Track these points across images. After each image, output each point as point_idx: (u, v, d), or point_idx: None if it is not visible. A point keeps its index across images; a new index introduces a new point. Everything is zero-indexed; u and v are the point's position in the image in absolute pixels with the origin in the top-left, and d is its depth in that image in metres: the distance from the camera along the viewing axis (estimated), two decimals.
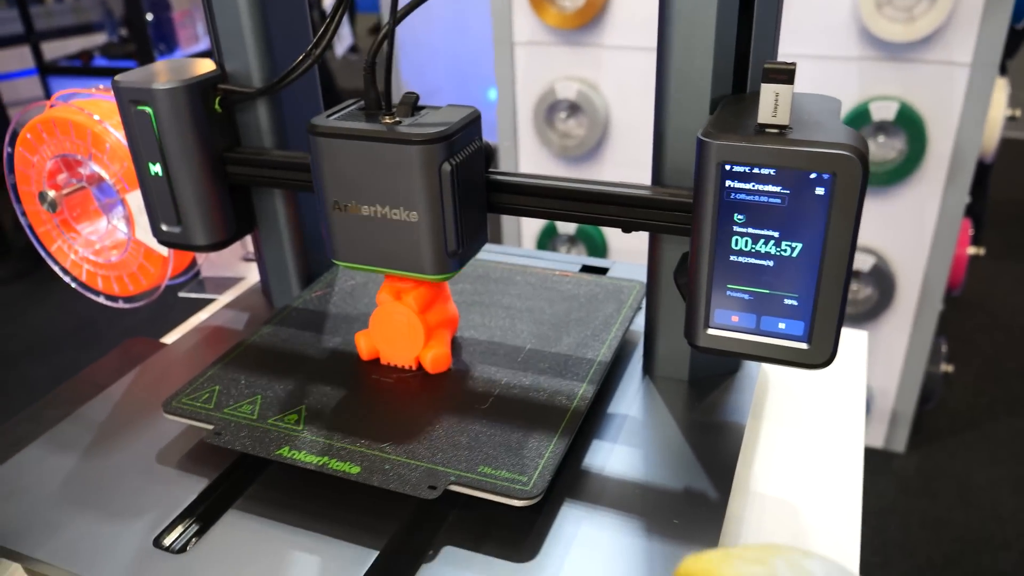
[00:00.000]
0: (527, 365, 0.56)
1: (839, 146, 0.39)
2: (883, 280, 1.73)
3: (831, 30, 1.58)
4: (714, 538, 0.44)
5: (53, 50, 3.08)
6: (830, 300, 0.42)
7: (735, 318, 0.45)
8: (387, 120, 0.48)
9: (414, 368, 0.56)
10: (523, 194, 0.51)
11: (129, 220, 0.72)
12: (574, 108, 1.81)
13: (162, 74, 0.56)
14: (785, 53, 1.53)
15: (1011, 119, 1.77)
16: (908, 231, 1.70)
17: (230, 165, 0.59)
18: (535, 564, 0.43)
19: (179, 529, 0.47)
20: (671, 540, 0.44)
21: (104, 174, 0.69)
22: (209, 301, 0.81)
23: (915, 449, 1.92)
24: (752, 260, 0.43)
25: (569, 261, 0.74)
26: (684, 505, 0.46)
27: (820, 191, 0.40)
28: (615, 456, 0.51)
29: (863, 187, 0.39)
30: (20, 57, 3.41)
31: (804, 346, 0.43)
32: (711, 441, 0.51)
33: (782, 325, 0.44)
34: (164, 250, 0.73)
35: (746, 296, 0.44)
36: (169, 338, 0.74)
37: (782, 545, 0.26)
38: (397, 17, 0.47)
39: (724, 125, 0.42)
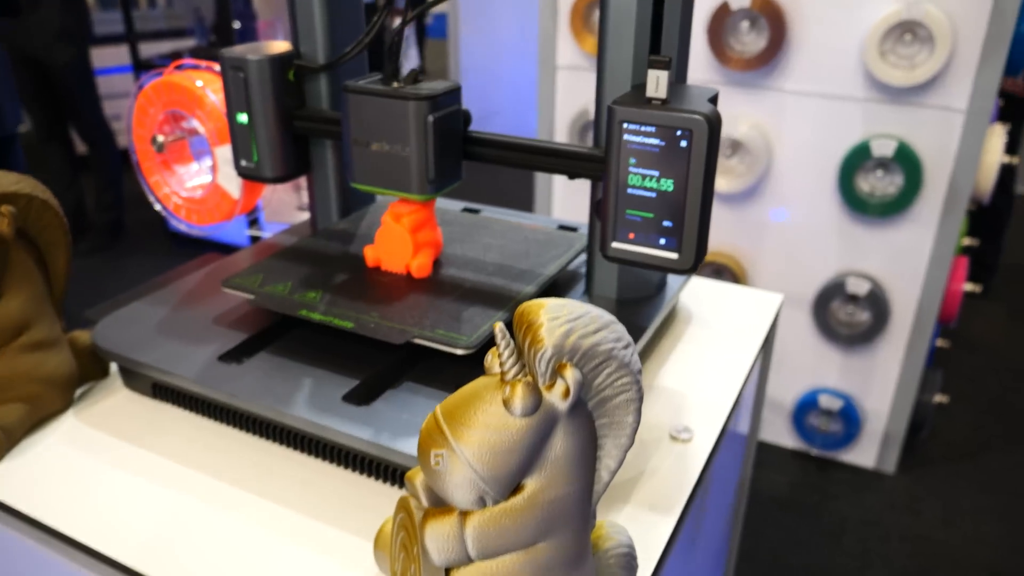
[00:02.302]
0: (489, 275, 0.75)
1: (695, 112, 0.57)
2: (878, 305, 1.87)
3: (839, 72, 1.75)
4: None
5: (147, 50, 3.41)
6: (692, 221, 0.60)
7: (632, 235, 0.63)
8: (395, 85, 0.68)
9: (405, 273, 0.75)
10: (492, 147, 0.71)
11: (214, 168, 0.93)
12: None
13: (255, 49, 0.78)
14: (797, 90, 1.78)
15: (1009, 167, 1.90)
16: (904, 262, 1.85)
17: (296, 120, 0.81)
18: None
19: (232, 354, 0.68)
20: None
21: (201, 128, 0.91)
22: None
23: (905, 472, 2.04)
24: (642, 192, 0.62)
25: (550, 221, 0.93)
26: None
27: (683, 144, 0.59)
28: None
29: (712, 142, 0.57)
30: (117, 55, 3.78)
31: (675, 256, 0.62)
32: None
33: (662, 241, 0.62)
34: (236, 193, 0.94)
35: (638, 219, 0.62)
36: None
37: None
38: (415, 12, 0.68)
39: (626, 99, 0.61)
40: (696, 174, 0.59)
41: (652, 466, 0.64)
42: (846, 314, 1.93)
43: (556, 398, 0.41)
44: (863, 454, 2.07)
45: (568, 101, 2.05)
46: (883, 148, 1.74)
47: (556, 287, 0.77)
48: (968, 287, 1.97)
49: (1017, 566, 1.75)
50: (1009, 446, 2.14)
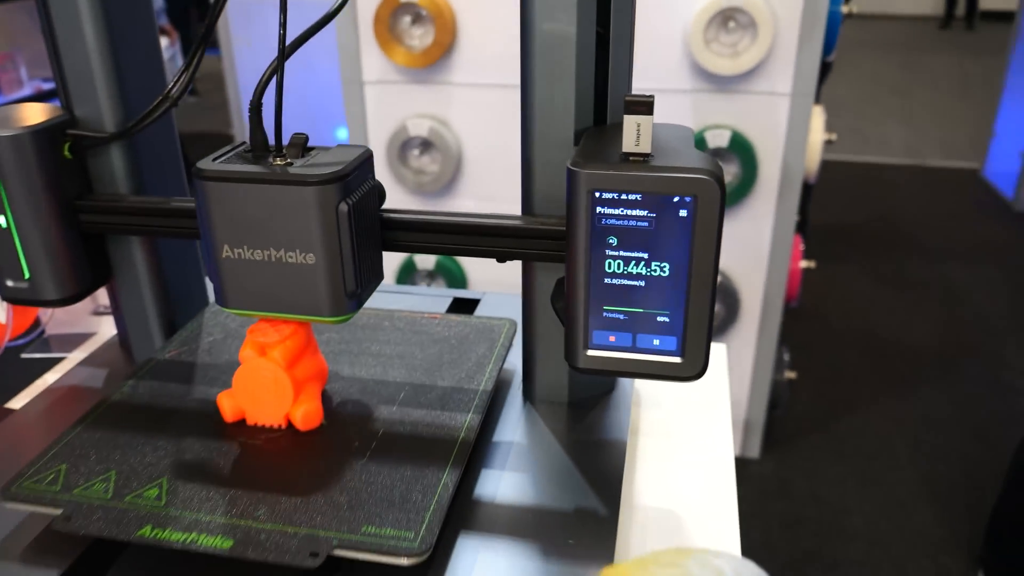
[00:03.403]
0: (403, 412, 0.55)
1: (698, 171, 0.41)
2: (728, 297, 1.84)
3: (666, 65, 1.69)
4: (609, 554, 0.46)
5: None
6: (699, 315, 0.44)
7: (612, 338, 0.47)
8: (278, 162, 0.47)
9: (284, 427, 0.53)
10: (415, 231, 0.51)
11: None
12: (427, 145, 1.82)
13: (4, 120, 0.53)
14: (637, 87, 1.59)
15: (828, 143, 1.94)
16: (747, 249, 1.83)
17: (82, 214, 0.56)
18: None
19: None
20: (568, 560, 0.45)
21: None
22: (57, 360, 0.76)
23: (768, 454, 2.04)
24: (625, 281, 0.45)
25: (440, 295, 0.75)
26: (577, 524, 0.48)
27: (683, 213, 0.43)
28: (504, 483, 0.51)
29: (722, 208, 0.42)
30: None
31: (678, 360, 0.46)
32: (596, 459, 0.53)
33: (656, 341, 0.46)
34: (1, 315, 0.67)
35: (621, 316, 0.46)
36: (16, 403, 0.69)
37: (692, 548, 0.28)
38: (286, 52, 0.47)
39: (591, 155, 0.44)
40: (703, 252, 0.43)
41: None
42: None
43: None
44: None
45: (381, 119, 1.85)
46: (718, 139, 1.70)
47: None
48: (804, 264, 1.99)
49: (885, 530, 1.79)
50: (851, 410, 2.21)
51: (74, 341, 0.78)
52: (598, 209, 0.43)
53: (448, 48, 1.73)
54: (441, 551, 0.46)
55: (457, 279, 1.93)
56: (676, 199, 0.42)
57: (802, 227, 2.82)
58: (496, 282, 1.92)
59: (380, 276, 0.53)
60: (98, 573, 0.46)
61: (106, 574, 0.46)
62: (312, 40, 0.48)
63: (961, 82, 5.51)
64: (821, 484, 1.94)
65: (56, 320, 0.78)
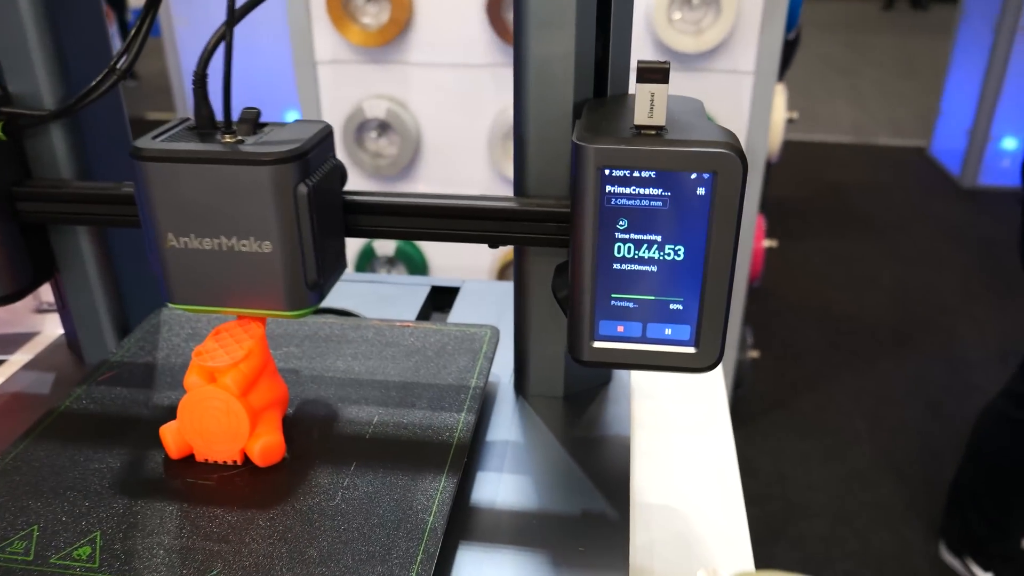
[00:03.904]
0: (377, 444, 0.48)
1: (718, 144, 0.38)
2: None
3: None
4: (623, 563, 0.42)
5: None
6: (716, 302, 0.41)
7: (621, 328, 0.43)
8: (228, 139, 0.42)
9: (239, 463, 0.47)
10: (384, 214, 0.47)
11: None
12: (384, 127, 1.76)
13: None
14: None
15: (790, 121, 1.93)
16: None
17: (20, 202, 0.50)
18: None
19: None
20: (580, 570, 0.42)
21: None
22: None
23: (734, 432, 2.04)
24: (635, 267, 0.41)
25: (416, 283, 0.70)
26: (586, 530, 0.44)
27: (701, 191, 0.39)
28: (504, 487, 0.47)
29: (744, 185, 0.38)
30: None
31: (692, 350, 0.42)
32: (599, 458, 0.49)
33: (668, 331, 0.43)
34: None
35: (631, 304, 0.42)
36: None
37: (774, 571, 0.24)
38: (235, 16, 0.41)
39: (598, 128, 0.40)
40: (722, 233, 0.40)
41: None
42: None
43: None
44: None
45: (336, 100, 1.78)
46: None
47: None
48: (767, 243, 1.99)
49: (848, 504, 1.80)
50: (812, 388, 2.23)
51: (15, 342, 0.72)
52: (607, 188, 0.40)
53: (405, 26, 1.67)
54: (441, 565, 0.42)
55: (418, 265, 1.88)
56: (694, 176, 0.39)
57: (763, 206, 2.83)
58: (459, 268, 1.87)
59: (343, 265, 0.48)
60: None
61: None
62: (258, 18, 0.43)
63: (906, 62, 5.60)
64: (785, 462, 1.95)
65: None
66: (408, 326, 0.60)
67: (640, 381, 0.64)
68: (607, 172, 0.39)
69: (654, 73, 0.38)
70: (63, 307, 0.58)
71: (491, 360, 0.56)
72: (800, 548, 1.69)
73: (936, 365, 2.30)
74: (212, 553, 0.40)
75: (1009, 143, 3.33)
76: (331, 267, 0.46)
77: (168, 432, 0.47)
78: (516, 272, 0.52)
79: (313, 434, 0.49)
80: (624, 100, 0.45)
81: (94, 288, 0.57)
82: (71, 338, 0.61)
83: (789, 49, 1.97)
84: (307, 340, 0.58)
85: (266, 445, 0.46)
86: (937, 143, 3.77)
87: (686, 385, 0.64)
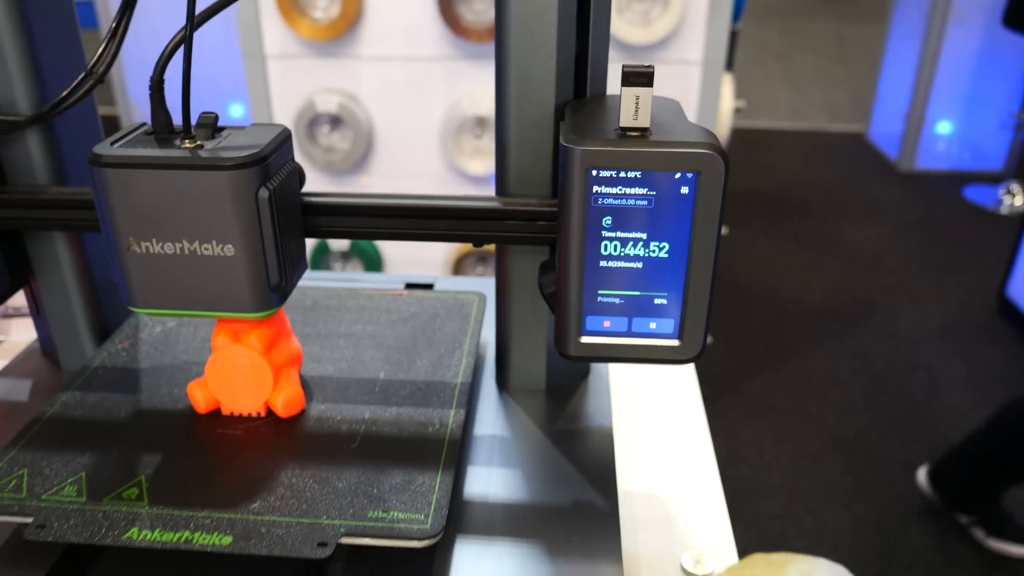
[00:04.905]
0: (387, 396, 0.52)
1: (701, 145, 0.39)
2: None
3: None
4: (616, 550, 0.44)
5: None
6: (699, 296, 0.43)
7: (607, 323, 0.44)
8: (187, 144, 0.42)
9: (263, 414, 0.50)
10: (346, 215, 0.47)
11: None
12: (336, 121, 1.75)
13: None
14: None
15: (737, 110, 1.97)
16: None
17: None
18: None
19: None
20: (575, 559, 0.43)
21: None
22: None
23: None
24: (621, 264, 0.43)
25: (391, 281, 0.71)
26: (578, 520, 0.45)
27: (685, 190, 0.40)
28: (495, 480, 0.49)
29: (726, 183, 0.40)
30: None
31: (676, 343, 0.44)
32: (584, 449, 0.51)
33: (653, 325, 0.44)
34: None
35: (617, 300, 0.44)
36: None
37: (792, 554, 0.26)
38: (196, 22, 0.42)
39: (584, 130, 0.41)
40: (705, 230, 0.41)
41: None
42: None
43: None
44: None
45: (286, 95, 1.76)
46: None
47: None
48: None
49: (801, 483, 1.86)
50: (761, 370, 2.28)
51: None
52: (594, 188, 0.41)
53: (355, 20, 1.66)
54: (440, 555, 0.43)
55: (373, 260, 1.88)
56: (678, 175, 0.40)
57: None
58: (414, 262, 1.87)
59: (304, 265, 0.49)
60: None
61: None
62: (202, 7, 0.43)
63: (840, 48, 5.74)
64: (740, 444, 2.00)
65: None
66: (401, 294, 0.63)
67: (617, 371, 0.66)
68: (594, 173, 0.40)
69: (639, 77, 0.39)
70: (38, 312, 0.58)
71: (481, 323, 0.60)
72: (756, 527, 1.74)
73: (879, 344, 2.38)
74: (250, 490, 0.44)
75: (944, 127, 3.45)
76: (292, 268, 0.47)
77: (196, 388, 0.50)
78: (498, 270, 0.53)
79: (326, 389, 0.52)
80: (605, 101, 0.47)
81: (71, 293, 0.56)
82: (46, 344, 0.60)
83: (731, 38, 2.02)
84: (311, 309, 0.61)
85: (288, 397, 0.50)
86: (875, 128, 3.88)
87: (660, 374, 0.66)
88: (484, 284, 0.68)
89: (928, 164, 3.52)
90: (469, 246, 1.86)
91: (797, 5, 7.15)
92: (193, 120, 0.43)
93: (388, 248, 1.88)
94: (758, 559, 0.26)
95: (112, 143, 0.43)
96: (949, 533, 1.68)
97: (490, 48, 1.66)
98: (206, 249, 0.43)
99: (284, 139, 0.45)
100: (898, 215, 3.20)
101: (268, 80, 1.76)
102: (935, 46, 3.28)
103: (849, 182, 3.52)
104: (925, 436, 1.98)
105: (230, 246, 0.43)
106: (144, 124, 0.45)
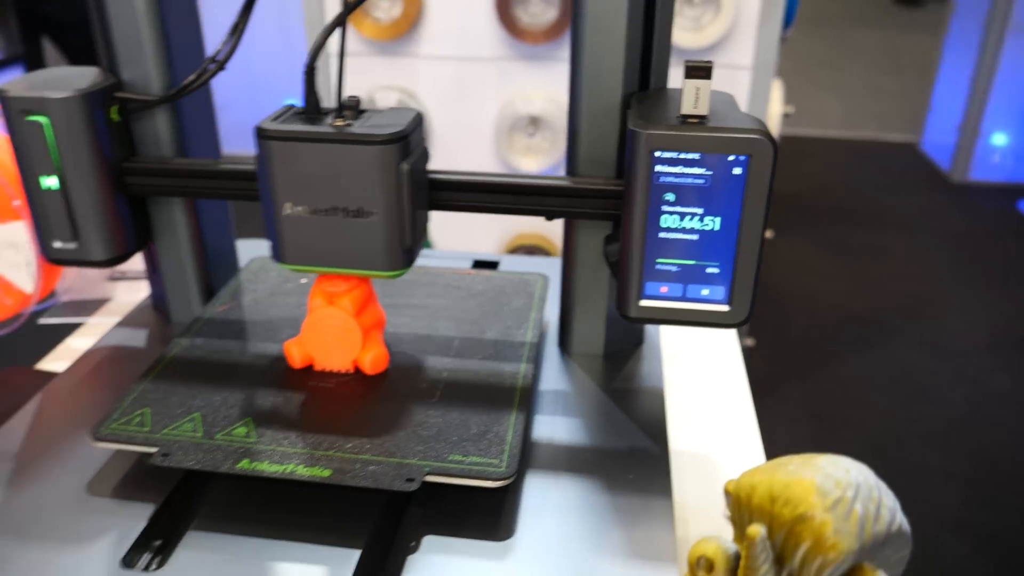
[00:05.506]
0: (462, 355, 0.58)
1: (753, 131, 0.45)
2: None
3: None
4: (667, 486, 0.49)
5: None
6: (747, 266, 0.48)
7: (664, 288, 0.50)
8: (338, 122, 0.49)
9: (351, 371, 0.56)
10: (461, 191, 0.54)
11: None
12: None
13: (54, 83, 0.53)
14: None
15: (786, 115, 2.01)
16: None
17: (129, 176, 0.57)
18: (517, 539, 0.46)
19: (143, 553, 0.45)
20: (632, 493, 0.49)
21: None
22: (76, 326, 0.76)
23: None
24: (679, 236, 0.48)
25: (457, 258, 0.77)
26: (633, 463, 0.51)
27: (737, 171, 0.46)
28: (558, 428, 0.55)
29: (774, 166, 0.45)
30: None
31: (725, 308, 0.50)
32: (638, 405, 0.57)
33: (705, 291, 0.50)
34: (28, 287, 0.67)
35: (673, 268, 0.49)
36: (45, 365, 0.69)
37: (816, 454, 0.31)
38: (349, 7, 0.48)
39: (650, 117, 0.47)
40: (754, 207, 0.47)
41: None
42: None
43: None
44: None
45: (348, 91, 1.83)
46: None
47: None
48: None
49: None
50: (802, 376, 2.31)
51: (90, 307, 0.78)
52: (657, 167, 0.47)
53: (415, 20, 1.74)
54: (512, 492, 0.49)
55: (425, 243, 1.94)
56: (732, 158, 0.46)
57: None
58: (466, 246, 1.94)
59: (426, 235, 0.55)
60: (188, 508, 0.48)
61: (196, 508, 0.48)
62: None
63: (892, 58, 5.69)
64: (778, 449, 2.01)
65: (70, 287, 0.78)
66: (469, 273, 0.69)
67: (667, 343, 0.72)
68: (657, 154, 0.46)
69: (700, 71, 0.45)
70: (154, 271, 0.65)
71: (544, 300, 0.65)
72: None
73: (923, 354, 2.39)
74: (345, 434, 0.50)
75: (999, 139, 3.42)
76: (420, 235, 0.53)
77: (292, 345, 0.56)
78: (565, 243, 0.59)
79: (405, 352, 0.59)
80: (666, 93, 0.53)
81: (184, 255, 0.63)
82: (158, 300, 0.67)
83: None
84: (386, 284, 0.66)
85: (375, 356, 0.56)
86: (927, 138, 3.86)
87: (706, 347, 0.72)
88: (545, 265, 0.74)
89: (982, 176, 3.49)
90: (521, 237, 1.93)
91: (847, 15, 7.09)
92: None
93: (439, 236, 1.95)
94: (787, 459, 0.31)
95: (272, 120, 0.50)
96: (986, 543, 1.69)
97: (544, 49, 1.73)
98: (352, 214, 0.50)
99: (419, 121, 0.51)
100: (948, 226, 3.19)
101: (330, 76, 1.84)
102: (992, 57, 3.26)
103: (898, 192, 3.51)
104: (966, 448, 1.99)
105: (373, 212, 0.49)
106: (291, 106, 0.52)
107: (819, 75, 5.25)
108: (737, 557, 0.30)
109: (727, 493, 0.32)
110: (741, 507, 0.30)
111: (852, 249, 3.02)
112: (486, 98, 1.82)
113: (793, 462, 0.31)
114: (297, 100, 0.54)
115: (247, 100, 3.86)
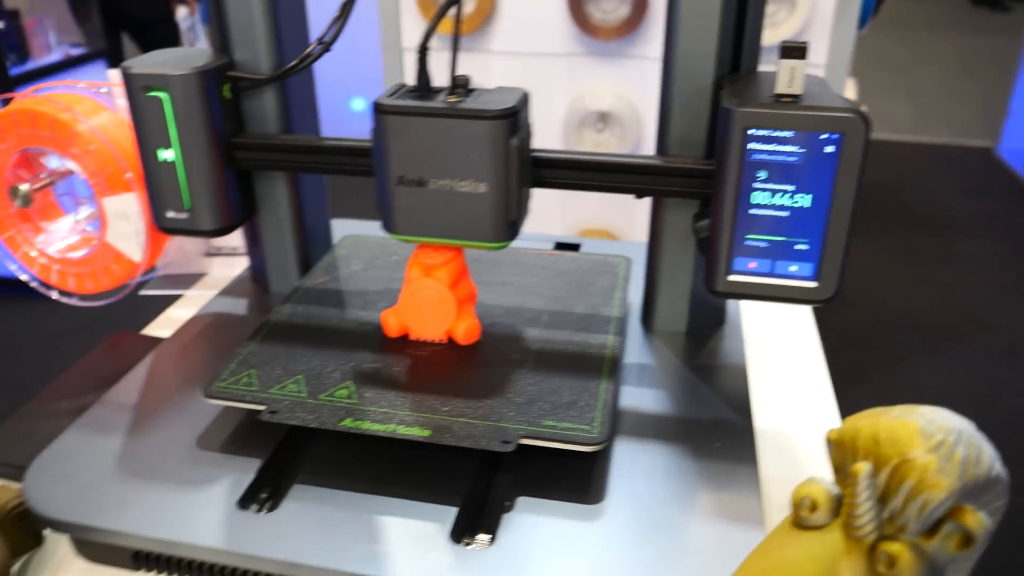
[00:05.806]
0: (551, 328, 0.60)
1: (846, 110, 0.46)
2: None
3: None
4: (752, 455, 0.51)
5: None
6: (836, 244, 0.49)
7: (753, 264, 0.51)
8: (451, 99, 0.51)
9: (445, 341, 0.58)
10: (562, 168, 0.56)
11: (102, 224, 0.70)
12: None
13: (173, 61, 0.57)
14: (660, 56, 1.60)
15: None
16: None
17: (238, 151, 0.61)
18: (608, 502, 0.48)
19: (253, 502, 0.48)
20: (719, 460, 0.50)
21: (78, 169, 0.68)
22: (175, 297, 0.81)
23: None
24: (769, 212, 0.50)
25: (540, 239, 0.79)
26: (719, 432, 0.53)
27: (830, 149, 0.47)
28: (644, 399, 0.56)
29: (866, 144, 0.46)
30: None
31: (813, 284, 0.51)
32: (721, 379, 0.58)
33: (793, 268, 0.51)
34: (137, 255, 0.71)
35: (763, 244, 0.50)
36: (150, 331, 0.74)
37: (917, 404, 0.33)
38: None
39: (742, 96, 0.49)
40: (845, 185, 0.48)
41: None
42: None
43: (941, 550, 0.28)
44: None
45: None
46: None
47: None
48: None
49: None
50: (867, 380, 2.27)
51: (187, 280, 0.83)
52: (750, 145, 0.48)
53: (488, 16, 1.77)
54: (601, 456, 0.51)
55: None
56: (824, 136, 0.47)
57: None
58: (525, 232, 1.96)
59: (528, 210, 0.57)
60: (292, 463, 0.51)
61: (299, 465, 0.51)
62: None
63: (968, 61, 5.54)
64: None
65: (171, 261, 0.82)
66: (554, 254, 0.71)
67: (747, 325, 0.73)
68: (751, 132, 0.48)
69: (795, 51, 0.46)
70: (255, 244, 0.69)
71: (628, 281, 0.67)
72: None
73: (993, 363, 2.33)
74: (442, 399, 0.52)
75: None
76: (524, 210, 0.55)
77: (389, 315, 0.59)
78: (652, 222, 0.61)
79: (496, 325, 0.61)
80: (758, 76, 0.54)
81: (285, 228, 0.67)
82: (257, 272, 0.71)
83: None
84: (474, 262, 0.68)
85: (468, 327, 0.58)
86: (1005, 144, 3.75)
87: (783, 331, 0.73)
88: (626, 248, 0.76)
89: None
90: (586, 231, 1.94)
91: (922, 16, 6.92)
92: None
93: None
94: (888, 408, 0.32)
95: (391, 96, 0.53)
96: None
97: (615, 46, 1.74)
98: (462, 186, 0.52)
99: (527, 100, 0.54)
100: (1021, 232, 3.10)
101: (403, 71, 1.88)
102: None
103: (971, 197, 3.42)
104: None
105: (483, 185, 0.52)
106: (403, 85, 0.55)
107: (892, 78, 5.14)
108: (839, 499, 0.31)
109: (829, 441, 0.33)
110: (845, 450, 0.31)
111: (923, 254, 2.95)
112: (556, 93, 1.84)
113: (895, 409, 0.32)
114: (362, 99, 0.57)
115: (322, 95, 3.94)
